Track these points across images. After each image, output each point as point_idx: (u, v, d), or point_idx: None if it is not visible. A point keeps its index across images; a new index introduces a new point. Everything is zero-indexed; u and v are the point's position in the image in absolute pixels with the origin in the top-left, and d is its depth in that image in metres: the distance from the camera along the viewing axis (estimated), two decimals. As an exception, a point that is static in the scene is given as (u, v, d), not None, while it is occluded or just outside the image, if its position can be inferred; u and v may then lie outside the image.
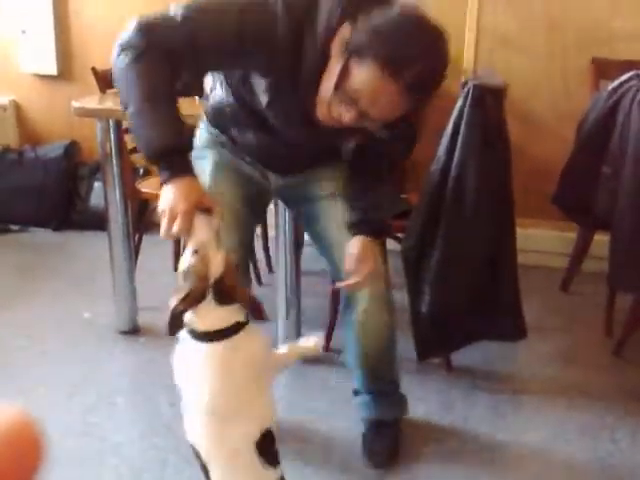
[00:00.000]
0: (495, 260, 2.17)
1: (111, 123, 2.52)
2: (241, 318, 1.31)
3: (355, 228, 1.69)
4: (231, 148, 1.77)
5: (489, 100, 2.06)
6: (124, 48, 1.40)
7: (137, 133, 1.39)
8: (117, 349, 2.59)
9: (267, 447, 1.33)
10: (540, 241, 3.23)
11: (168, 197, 1.33)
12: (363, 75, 1.31)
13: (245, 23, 1.38)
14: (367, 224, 1.69)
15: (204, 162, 1.75)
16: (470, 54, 3.20)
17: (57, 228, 3.67)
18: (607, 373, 2.44)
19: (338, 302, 2.49)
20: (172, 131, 1.36)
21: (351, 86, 1.34)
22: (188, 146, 1.44)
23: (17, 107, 3.85)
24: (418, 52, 1.32)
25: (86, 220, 3.63)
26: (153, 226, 3.46)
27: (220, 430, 1.32)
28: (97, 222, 3.32)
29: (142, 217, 3.15)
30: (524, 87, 3.12)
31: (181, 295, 1.25)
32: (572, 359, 2.53)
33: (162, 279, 2.93)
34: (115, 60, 1.42)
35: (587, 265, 2.99)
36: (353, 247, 1.66)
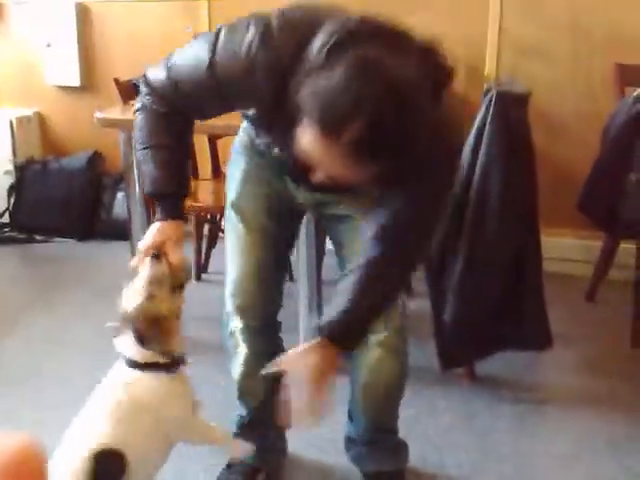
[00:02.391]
0: (519, 269, 2.14)
1: (133, 134, 2.54)
2: (159, 360, 1.43)
3: (323, 329, 1.42)
4: (265, 156, 1.62)
5: (513, 108, 2.04)
6: (139, 95, 1.50)
7: (141, 169, 1.51)
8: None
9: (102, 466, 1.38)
10: (565, 249, 3.19)
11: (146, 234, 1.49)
12: (306, 137, 1.16)
13: (218, 78, 1.33)
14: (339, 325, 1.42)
15: (235, 169, 1.72)
16: (492, 61, 3.18)
17: (81, 239, 3.70)
18: (635, 383, 2.39)
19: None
20: (163, 179, 1.46)
21: (302, 148, 1.19)
22: (181, 192, 1.50)
23: (41, 119, 3.91)
24: (355, 107, 1.09)
25: (110, 230, 3.65)
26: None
27: None
28: (120, 232, 3.34)
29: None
30: (547, 93, 3.09)
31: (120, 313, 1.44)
32: (598, 369, 2.49)
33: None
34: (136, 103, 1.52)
35: (613, 274, 2.94)
36: (313, 353, 1.40)
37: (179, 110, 1.45)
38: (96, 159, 3.78)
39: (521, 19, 3.12)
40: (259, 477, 1.86)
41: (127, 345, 1.44)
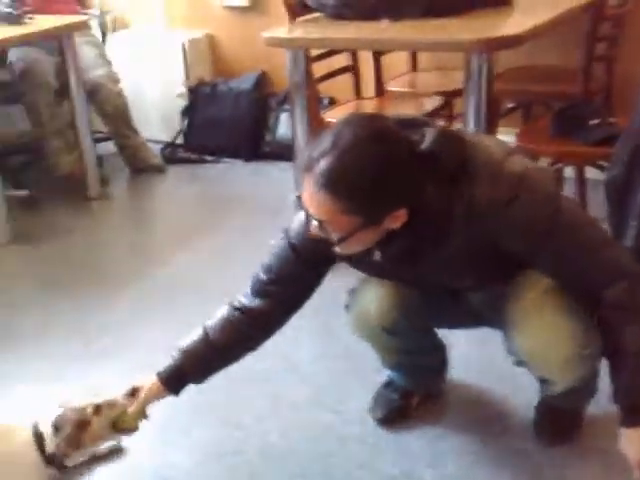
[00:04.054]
0: None
1: (300, 53, 2.53)
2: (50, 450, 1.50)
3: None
4: None
5: None
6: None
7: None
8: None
9: None
10: None
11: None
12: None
13: (298, 251, 1.49)
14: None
15: None
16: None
17: (248, 159, 3.79)
18: None
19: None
20: (185, 352, 1.55)
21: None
22: (184, 372, 1.55)
23: (211, 40, 3.99)
24: (333, 143, 1.24)
25: (274, 151, 3.71)
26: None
27: None
28: (284, 153, 3.38)
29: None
30: None
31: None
32: None
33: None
34: None
35: None
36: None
37: (272, 303, 1.54)
38: (263, 80, 3.82)
39: None
40: (414, 399, 1.85)
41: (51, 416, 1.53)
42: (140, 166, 3.77)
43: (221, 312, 1.57)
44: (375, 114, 1.44)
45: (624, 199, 1.99)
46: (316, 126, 2.69)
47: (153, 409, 1.89)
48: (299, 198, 1.32)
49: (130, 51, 3.99)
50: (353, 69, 3.06)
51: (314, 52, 2.74)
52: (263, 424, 1.85)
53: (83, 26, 3.41)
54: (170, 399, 1.94)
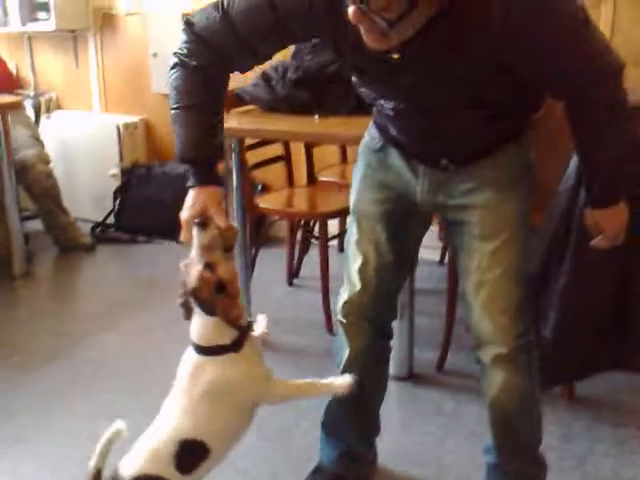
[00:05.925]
0: (628, 285, 2.04)
1: (234, 141, 2.61)
2: (225, 342, 1.40)
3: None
4: (383, 154, 1.63)
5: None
6: (176, 51, 1.44)
7: (175, 134, 1.46)
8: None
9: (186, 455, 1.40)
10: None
11: (184, 205, 1.45)
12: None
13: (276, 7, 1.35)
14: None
15: (356, 175, 1.71)
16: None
17: (179, 240, 3.80)
18: None
19: (453, 323, 2.44)
20: (194, 143, 1.42)
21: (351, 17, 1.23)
22: (213, 156, 1.46)
23: (147, 125, 4.06)
24: None
25: (206, 233, 3.74)
26: (269, 240, 3.53)
27: None
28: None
29: (259, 231, 3.23)
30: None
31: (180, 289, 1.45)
32: None
33: (275, 290, 3.13)
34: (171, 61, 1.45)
35: None
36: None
37: (222, 57, 1.41)
38: (196, 165, 3.89)
39: None
40: None
41: (193, 330, 1.43)
42: (68, 245, 3.73)
43: (185, 83, 1.41)
44: None
45: (541, 292, 2.11)
46: (250, 210, 2.76)
47: None
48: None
49: (64, 132, 4.02)
50: (286, 158, 3.17)
51: (248, 141, 2.83)
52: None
53: (17, 106, 3.43)
54: None
